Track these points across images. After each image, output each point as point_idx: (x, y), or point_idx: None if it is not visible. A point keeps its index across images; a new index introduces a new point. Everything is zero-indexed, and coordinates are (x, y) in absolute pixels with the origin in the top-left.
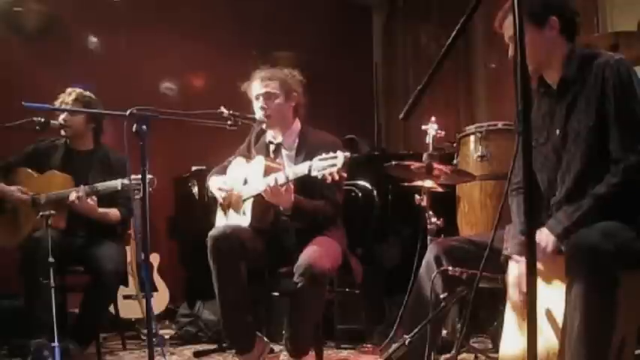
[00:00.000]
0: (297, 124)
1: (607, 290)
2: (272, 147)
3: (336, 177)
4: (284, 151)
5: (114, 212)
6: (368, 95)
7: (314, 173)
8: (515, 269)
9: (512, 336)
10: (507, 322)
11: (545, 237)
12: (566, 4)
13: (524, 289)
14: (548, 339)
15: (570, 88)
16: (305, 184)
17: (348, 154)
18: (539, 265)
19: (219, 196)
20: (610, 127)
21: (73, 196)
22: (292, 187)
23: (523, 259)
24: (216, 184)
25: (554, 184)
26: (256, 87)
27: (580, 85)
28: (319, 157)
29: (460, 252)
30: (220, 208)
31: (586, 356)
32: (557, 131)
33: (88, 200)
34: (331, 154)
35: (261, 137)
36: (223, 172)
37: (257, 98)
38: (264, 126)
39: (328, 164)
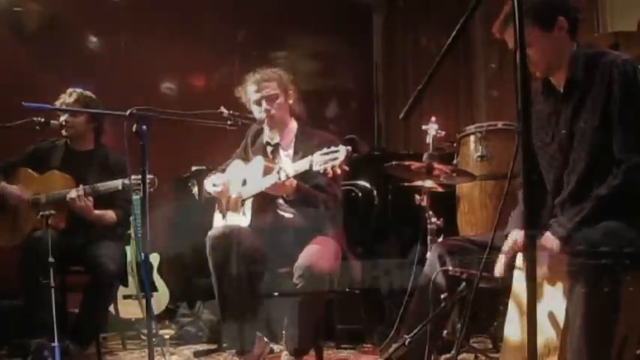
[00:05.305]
0: (293, 124)
1: (609, 290)
2: (270, 148)
3: (338, 171)
4: (282, 152)
5: (110, 214)
6: (368, 95)
7: (316, 168)
8: (509, 241)
9: (514, 331)
10: (510, 316)
11: (550, 241)
12: (569, 2)
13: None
14: (548, 337)
15: (576, 88)
16: (304, 182)
17: (349, 147)
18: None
19: (215, 190)
20: (614, 128)
21: (72, 193)
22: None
23: (517, 232)
24: (212, 181)
25: (561, 184)
26: (254, 91)
27: (586, 85)
28: (320, 151)
29: (463, 252)
30: (218, 211)
31: (588, 355)
32: (564, 131)
33: (85, 200)
34: (333, 148)
35: (258, 139)
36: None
37: (258, 103)
38: (264, 126)
39: (330, 158)
